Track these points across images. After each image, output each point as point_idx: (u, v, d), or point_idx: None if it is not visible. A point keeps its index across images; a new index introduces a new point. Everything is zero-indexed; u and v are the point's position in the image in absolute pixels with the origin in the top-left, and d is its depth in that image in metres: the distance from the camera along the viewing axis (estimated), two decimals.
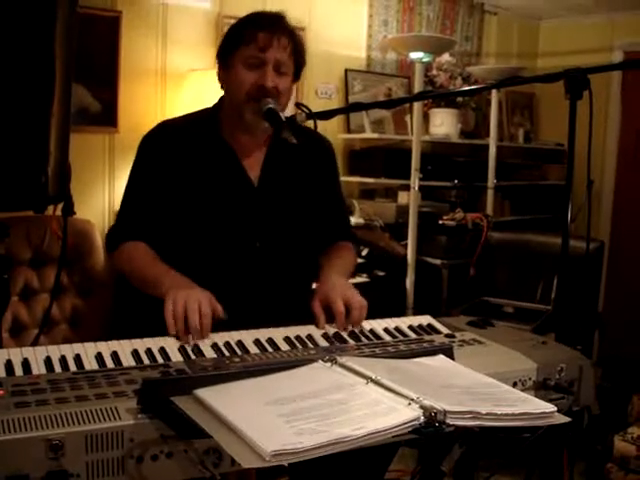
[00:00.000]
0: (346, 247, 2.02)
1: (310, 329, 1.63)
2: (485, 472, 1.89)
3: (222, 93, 1.89)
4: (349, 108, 3.11)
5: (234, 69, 1.79)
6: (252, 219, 1.83)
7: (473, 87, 3.21)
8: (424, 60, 3.41)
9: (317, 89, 4.05)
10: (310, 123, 1.72)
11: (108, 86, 3.20)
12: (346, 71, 4.17)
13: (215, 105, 1.92)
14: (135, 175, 1.88)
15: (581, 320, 3.02)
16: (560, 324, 1.80)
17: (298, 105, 1.73)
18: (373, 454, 1.58)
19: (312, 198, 1.93)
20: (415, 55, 3.38)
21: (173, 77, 3.42)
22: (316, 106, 1.78)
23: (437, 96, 4.24)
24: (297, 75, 1.87)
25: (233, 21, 1.88)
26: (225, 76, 1.84)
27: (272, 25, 1.78)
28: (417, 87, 3.51)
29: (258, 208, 1.84)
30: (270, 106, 1.70)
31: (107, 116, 3.22)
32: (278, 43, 1.76)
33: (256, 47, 1.75)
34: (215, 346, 1.47)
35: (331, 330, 1.64)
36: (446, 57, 4.37)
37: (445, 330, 1.70)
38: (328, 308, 1.69)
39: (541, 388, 1.45)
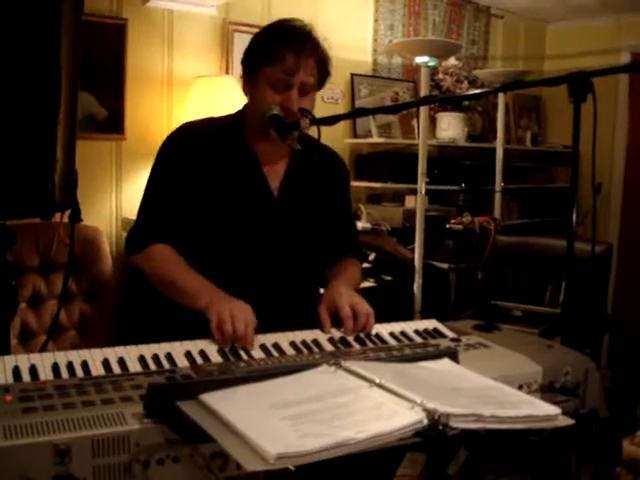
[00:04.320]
0: (353, 263, 2.04)
1: (316, 334, 1.64)
2: (492, 475, 1.89)
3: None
4: (353, 114, 3.12)
5: (259, 87, 1.78)
6: (270, 229, 1.84)
7: (479, 91, 3.20)
8: (430, 64, 3.41)
9: (323, 94, 4.04)
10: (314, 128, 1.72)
11: (115, 93, 3.22)
12: (352, 76, 4.18)
13: (239, 111, 1.91)
14: (156, 176, 1.86)
15: (589, 323, 3.01)
16: (567, 327, 1.80)
17: (302, 111, 1.73)
18: (380, 458, 1.58)
19: (326, 213, 1.95)
20: (420, 59, 3.38)
21: (179, 84, 3.43)
22: (323, 111, 1.78)
23: (443, 100, 4.26)
24: (320, 85, 1.85)
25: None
26: (249, 87, 1.83)
27: (300, 45, 1.74)
28: (423, 91, 3.51)
29: (277, 219, 1.85)
30: (274, 112, 1.71)
31: (114, 123, 3.24)
32: (305, 67, 1.74)
33: (283, 69, 1.73)
34: (221, 351, 1.48)
35: (337, 335, 1.65)
36: (452, 61, 4.37)
37: (451, 334, 1.70)
38: (334, 315, 1.70)
39: (547, 391, 1.45)
